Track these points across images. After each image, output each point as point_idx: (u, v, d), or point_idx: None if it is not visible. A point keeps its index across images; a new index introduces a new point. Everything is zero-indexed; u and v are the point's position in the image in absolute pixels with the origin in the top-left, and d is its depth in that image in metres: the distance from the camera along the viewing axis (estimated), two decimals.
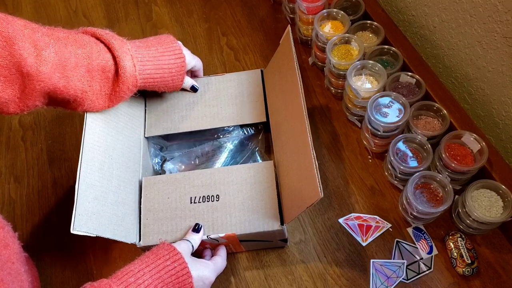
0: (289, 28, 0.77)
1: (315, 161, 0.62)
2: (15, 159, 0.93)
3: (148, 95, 0.84)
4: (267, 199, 0.71)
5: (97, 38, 0.68)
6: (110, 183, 0.69)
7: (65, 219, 0.84)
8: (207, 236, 0.69)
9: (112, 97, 0.69)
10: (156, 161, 0.83)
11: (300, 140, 0.67)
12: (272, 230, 0.68)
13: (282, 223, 0.68)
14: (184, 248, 0.65)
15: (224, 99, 0.82)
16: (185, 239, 0.67)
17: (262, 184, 0.72)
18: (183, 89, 0.82)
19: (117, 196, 0.69)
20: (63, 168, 0.90)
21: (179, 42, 0.77)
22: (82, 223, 0.62)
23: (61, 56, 0.62)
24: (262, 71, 0.85)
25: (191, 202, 0.72)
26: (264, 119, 0.80)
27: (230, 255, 0.77)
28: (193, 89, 0.82)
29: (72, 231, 0.60)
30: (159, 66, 0.72)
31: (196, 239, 0.68)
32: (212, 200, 0.72)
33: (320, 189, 0.59)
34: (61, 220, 0.85)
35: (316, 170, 0.61)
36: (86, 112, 0.69)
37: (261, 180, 0.73)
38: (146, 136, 0.81)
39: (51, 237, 0.83)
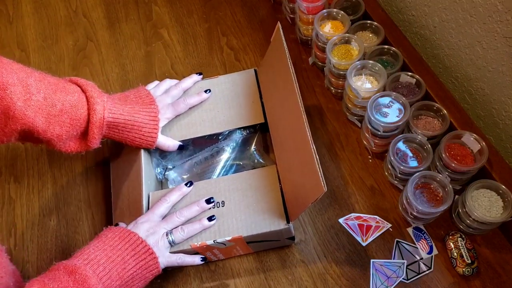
0: (279, 25, 0.76)
1: (315, 155, 0.62)
2: (15, 159, 0.93)
3: None
4: (272, 200, 0.71)
5: (80, 88, 0.70)
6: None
7: (65, 219, 0.85)
8: (214, 241, 0.69)
9: (82, 142, 0.71)
10: (159, 170, 0.83)
11: (299, 136, 0.67)
12: (279, 229, 0.68)
13: (287, 221, 0.69)
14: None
15: (220, 102, 0.83)
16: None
17: (266, 188, 0.72)
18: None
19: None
20: (63, 168, 0.90)
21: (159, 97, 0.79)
22: None
23: (49, 102, 0.64)
24: (255, 71, 0.85)
25: None
26: (262, 120, 0.80)
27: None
28: (180, 148, 0.81)
29: None
30: (131, 122, 0.73)
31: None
32: (218, 206, 0.72)
33: (323, 183, 0.59)
34: (61, 220, 0.85)
35: (318, 165, 0.61)
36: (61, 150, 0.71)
37: (265, 184, 0.73)
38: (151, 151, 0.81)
39: (50, 238, 0.83)
